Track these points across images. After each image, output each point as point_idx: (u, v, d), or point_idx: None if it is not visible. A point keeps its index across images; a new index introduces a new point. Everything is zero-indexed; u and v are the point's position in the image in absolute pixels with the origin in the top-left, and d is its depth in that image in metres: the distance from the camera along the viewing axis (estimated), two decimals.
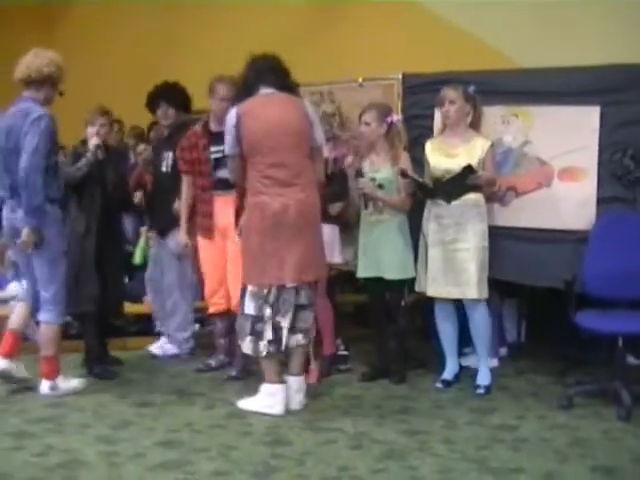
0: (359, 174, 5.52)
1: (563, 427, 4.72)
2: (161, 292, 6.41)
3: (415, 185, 5.46)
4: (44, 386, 5.28)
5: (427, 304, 5.70)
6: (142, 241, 6.91)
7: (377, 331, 5.80)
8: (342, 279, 6.32)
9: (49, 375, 5.30)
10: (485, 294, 5.38)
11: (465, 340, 5.71)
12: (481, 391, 5.37)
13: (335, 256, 5.82)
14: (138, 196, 6.28)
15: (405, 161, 5.52)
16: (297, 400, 5.01)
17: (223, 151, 5.17)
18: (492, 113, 5.61)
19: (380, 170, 5.53)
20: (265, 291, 4.87)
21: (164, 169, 6.18)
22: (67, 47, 10.72)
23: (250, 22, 8.81)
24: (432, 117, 5.98)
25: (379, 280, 5.59)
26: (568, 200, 5.48)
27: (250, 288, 4.91)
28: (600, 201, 5.40)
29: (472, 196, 5.33)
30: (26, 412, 4.94)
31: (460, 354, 5.78)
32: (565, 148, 5.48)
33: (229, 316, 5.71)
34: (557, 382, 5.60)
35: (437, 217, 5.42)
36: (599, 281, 5.13)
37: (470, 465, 4.14)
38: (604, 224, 5.28)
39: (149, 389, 5.50)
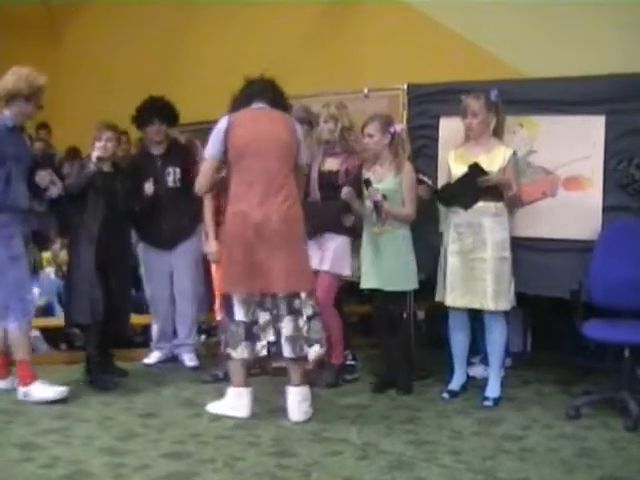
0: (368, 183, 5.48)
1: (570, 437, 4.71)
2: (162, 308, 6.44)
3: (431, 192, 5.46)
4: (19, 392, 5.37)
5: (441, 313, 5.68)
6: None
7: (381, 342, 5.80)
8: (346, 289, 6.31)
9: (22, 380, 5.37)
10: (504, 306, 5.33)
11: (472, 349, 5.70)
12: (489, 403, 5.34)
13: (345, 268, 5.79)
14: None
15: (408, 171, 5.51)
16: (302, 410, 5.01)
17: None
18: None
19: (383, 180, 5.50)
20: (257, 298, 4.91)
21: (171, 184, 6.24)
22: (73, 57, 10.90)
23: (253, 33, 8.86)
24: (437, 127, 5.99)
25: (382, 291, 5.57)
26: (573, 209, 5.47)
27: (238, 297, 4.94)
28: (605, 210, 5.39)
29: (491, 204, 5.30)
30: (33, 424, 4.94)
31: (467, 363, 5.76)
32: (570, 157, 5.48)
33: None
34: (564, 392, 5.60)
35: (456, 226, 5.39)
36: (605, 290, 5.12)
37: (477, 476, 4.13)
38: (610, 233, 5.28)
39: (155, 400, 5.50)
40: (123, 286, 6.03)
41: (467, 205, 5.30)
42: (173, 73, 9.63)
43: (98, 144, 5.77)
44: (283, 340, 4.92)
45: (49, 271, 7.11)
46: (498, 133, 5.46)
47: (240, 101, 5.13)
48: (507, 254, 5.33)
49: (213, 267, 5.93)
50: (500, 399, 5.38)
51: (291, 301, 4.92)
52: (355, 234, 5.77)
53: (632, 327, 4.97)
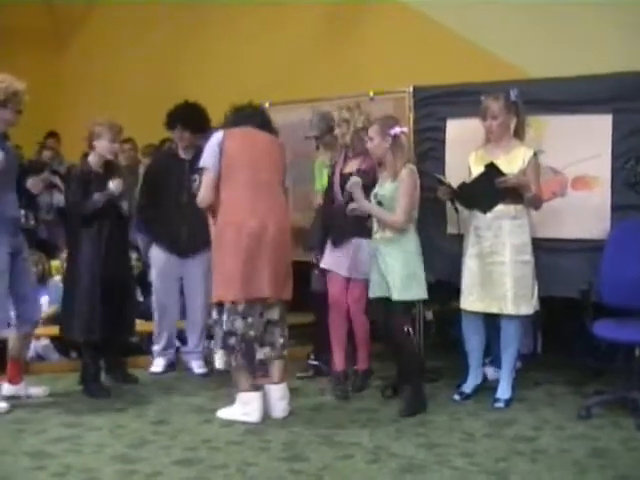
0: (349, 175, 5.47)
1: (582, 438, 4.70)
2: (170, 315, 6.44)
3: (451, 193, 5.42)
4: None
5: (452, 315, 5.65)
6: None
7: (390, 350, 5.73)
8: None
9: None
10: (526, 310, 5.30)
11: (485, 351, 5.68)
12: (500, 405, 5.32)
13: None
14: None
15: (406, 176, 5.19)
16: (281, 407, 5.14)
17: None
18: None
19: (383, 186, 5.30)
20: (241, 307, 5.00)
21: (195, 191, 6.19)
22: (77, 64, 10.94)
23: (258, 36, 8.89)
24: (444, 129, 6.00)
25: (385, 300, 5.29)
26: (582, 209, 5.47)
27: (228, 305, 5.03)
28: (614, 209, 5.39)
29: (511, 207, 5.26)
30: (44, 432, 4.95)
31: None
32: (578, 157, 5.48)
33: None
34: (575, 393, 5.58)
35: (475, 229, 5.37)
36: (615, 290, 5.11)
37: (489, 477, 4.12)
38: (619, 232, 5.27)
39: (166, 407, 5.50)
40: (128, 297, 6.03)
41: (486, 209, 5.26)
42: (179, 77, 9.66)
43: (111, 146, 5.79)
44: (256, 344, 5.11)
45: (58, 279, 7.10)
46: (519, 133, 5.40)
47: (231, 123, 5.25)
48: (528, 257, 5.29)
49: None
50: (511, 400, 5.37)
51: (271, 307, 5.09)
52: None
53: None
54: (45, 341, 6.51)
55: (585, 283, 5.01)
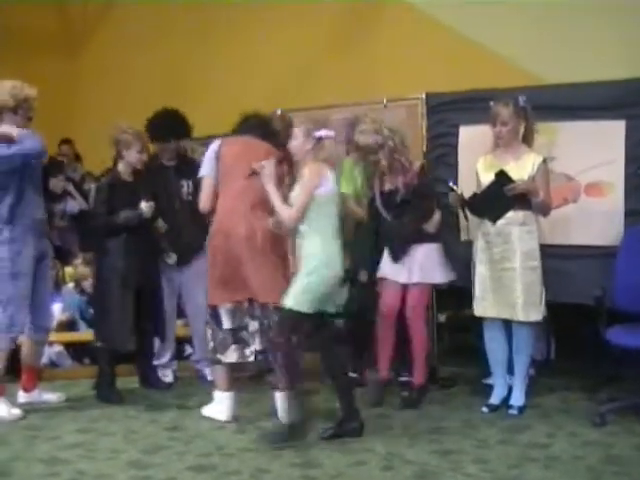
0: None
1: (596, 444, 4.68)
2: (172, 325, 6.43)
3: (460, 199, 5.41)
4: None
5: (469, 322, 5.64)
6: None
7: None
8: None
9: None
10: (535, 316, 5.28)
11: None
12: (514, 412, 5.30)
13: (436, 276, 5.63)
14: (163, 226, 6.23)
15: (304, 177, 4.90)
16: (286, 412, 5.03)
17: None
18: None
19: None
20: (245, 307, 5.13)
21: (186, 197, 6.20)
22: (90, 69, 10.98)
23: (270, 39, 8.92)
24: (456, 135, 6.00)
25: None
26: (595, 215, 5.46)
27: (224, 307, 5.14)
28: (627, 215, 5.38)
29: (519, 214, 5.24)
30: (57, 438, 4.96)
31: (490, 373, 5.69)
32: (591, 163, 5.47)
33: None
34: (589, 399, 5.56)
35: (484, 235, 5.36)
36: (629, 296, 5.09)
37: None
38: (632, 238, 5.25)
39: (180, 413, 5.51)
40: (159, 303, 6.09)
41: (495, 219, 5.25)
42: (194, 80, 9.67)
43: (139, 156, 5.84)
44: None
45: (71, 286, 7.12)
46: (528, 139, 5.37)
47: (233, 133, 5.45)
48: (536, 263, 5.26)
49: None
50: (525, 407, 5.35)
51: (273, 311, 5.07)
52: (439, 239, 5.65)
53: None
54: (59, 347, 6.52)
55: (598, 289, 5.00)
